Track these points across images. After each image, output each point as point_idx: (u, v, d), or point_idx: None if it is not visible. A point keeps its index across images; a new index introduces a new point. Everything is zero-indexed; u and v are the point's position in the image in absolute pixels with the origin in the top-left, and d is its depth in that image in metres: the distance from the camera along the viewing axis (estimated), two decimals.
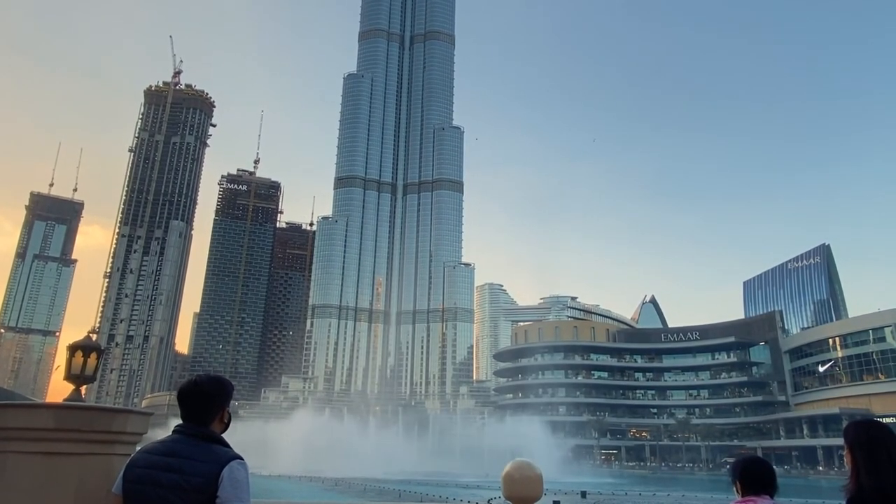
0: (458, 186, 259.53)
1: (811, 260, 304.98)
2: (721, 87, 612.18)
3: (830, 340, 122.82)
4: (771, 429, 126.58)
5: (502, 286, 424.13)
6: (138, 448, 3.75)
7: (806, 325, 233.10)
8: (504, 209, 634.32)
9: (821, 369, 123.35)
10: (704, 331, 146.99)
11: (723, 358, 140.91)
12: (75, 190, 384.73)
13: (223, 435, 3.70)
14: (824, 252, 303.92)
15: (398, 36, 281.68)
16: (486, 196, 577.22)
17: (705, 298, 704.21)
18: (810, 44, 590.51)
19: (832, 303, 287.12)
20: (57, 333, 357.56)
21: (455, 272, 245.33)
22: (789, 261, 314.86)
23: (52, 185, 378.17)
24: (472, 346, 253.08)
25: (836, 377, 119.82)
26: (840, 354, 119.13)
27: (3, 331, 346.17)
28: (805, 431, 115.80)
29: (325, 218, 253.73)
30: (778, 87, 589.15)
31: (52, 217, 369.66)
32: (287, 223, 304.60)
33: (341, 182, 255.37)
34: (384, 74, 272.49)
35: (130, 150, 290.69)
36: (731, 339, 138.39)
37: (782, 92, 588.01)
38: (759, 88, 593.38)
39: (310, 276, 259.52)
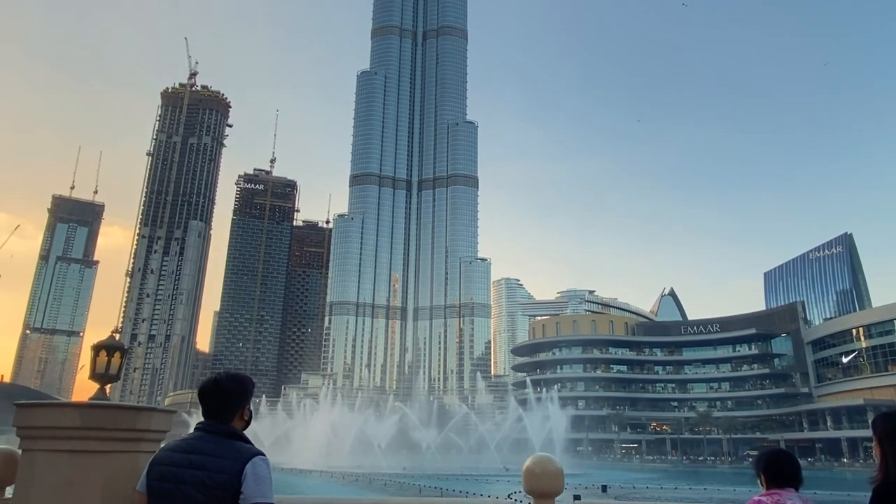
0: (472, 182, 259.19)
1: (833, 250, 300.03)
2: (740, 78, 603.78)
3: (854, 331, 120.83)
4: (794, 421, 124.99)
5: (519, 281, 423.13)
6: (162, 445, 3.81)
7: (828, 316, 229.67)
8: (520, 203, 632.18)
9: (844, 360, 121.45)
10: (725, 323, 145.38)
11: (744, 350, 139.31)
12: (96, 192, 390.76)
13: (244, 432, 3.73)
14: (847, 241, 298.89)
15: (410, 32, 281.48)
16: (502, 191, 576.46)
17: (725, 290, 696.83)
18: (830, 32, 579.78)
19: (855, 293, 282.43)
20: (81, 334, 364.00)
21: (471, 267, 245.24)
22: (811, 251, 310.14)
23: (72, 187, 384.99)
24: (489, 341, 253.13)
25: (860, 368, 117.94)
26: (864, 345, 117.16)
27: (28, 332, 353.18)
28: (829, 423, 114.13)
29: (341, 215, 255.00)
30: (798, 76, 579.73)
31: (74, 219, 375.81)
32: (304, 221, 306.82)
33: (356, 179, 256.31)
34: (397, 71, 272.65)
35: (149, 154, 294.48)
36: (753, 330, 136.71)
37: (802, 81, 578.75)
38: (778, 78, 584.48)
39: (327, 273, 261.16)
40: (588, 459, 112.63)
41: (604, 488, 43.82)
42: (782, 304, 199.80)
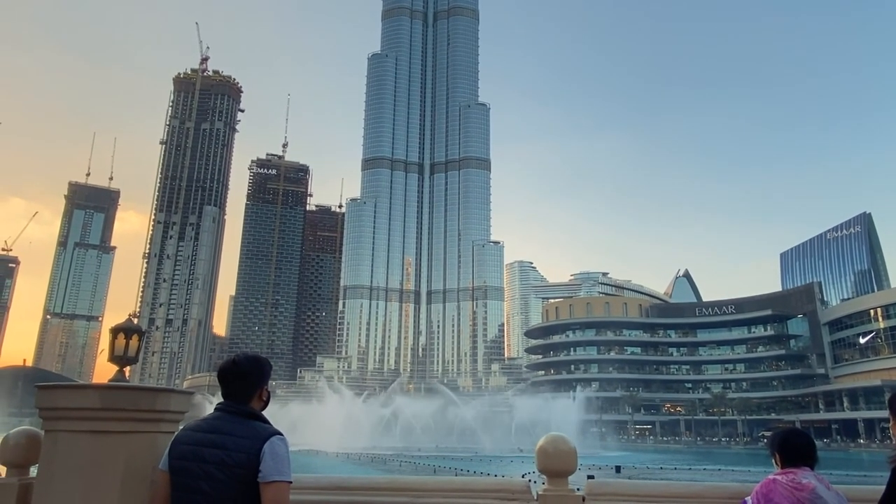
0: (485, 164, 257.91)
1: (851, 229, 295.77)
2: (757, 51, 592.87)
3: (872, 311, 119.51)
4: (810, 402, 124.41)
5: (532, 263, 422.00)
6: (182, 426, 3.89)
7: (846, 297, 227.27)
8: (533, 185, 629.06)
9: (862, 341, 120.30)
10: (740, 304, 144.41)
11: (759, 331, 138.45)
12: (111, 178, 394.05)
13: (263, 412, 3.79)
14: (865, 221, 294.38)
15: (421, 13, 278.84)
16: (515, 172, 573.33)
17: (741, 271, 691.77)
18: (850, 6, 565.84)
19: (873, 273, 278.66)
20: (100, 318, 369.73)
21: (484, 250, 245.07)
22: (828, 231, 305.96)
23: (88, 174, 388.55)
24: (502, 324, 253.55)
25: (877, 349, 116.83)
26: (882, 325, 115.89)
27: (49, 317, 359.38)
28: (845, 404, 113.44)
29: (353, 200, 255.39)
30: (816, 51, 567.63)
31: (91, 206, 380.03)
32: (317, 206, 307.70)
33: (368, 163, 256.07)
34: (408, 53, 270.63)
35: (162, 143, 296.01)
36: (768, 311, 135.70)
37: (821, 57, 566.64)
38: (796, 55, 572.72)
39: (340, 257, 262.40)
40: (602, 441, 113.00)
41: (617, 469, 44.06)
42: (799, 284, 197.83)
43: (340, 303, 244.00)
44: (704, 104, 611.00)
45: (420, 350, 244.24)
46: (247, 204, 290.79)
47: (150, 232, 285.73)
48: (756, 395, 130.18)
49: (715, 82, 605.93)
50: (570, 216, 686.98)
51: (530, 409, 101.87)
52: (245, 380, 3.70)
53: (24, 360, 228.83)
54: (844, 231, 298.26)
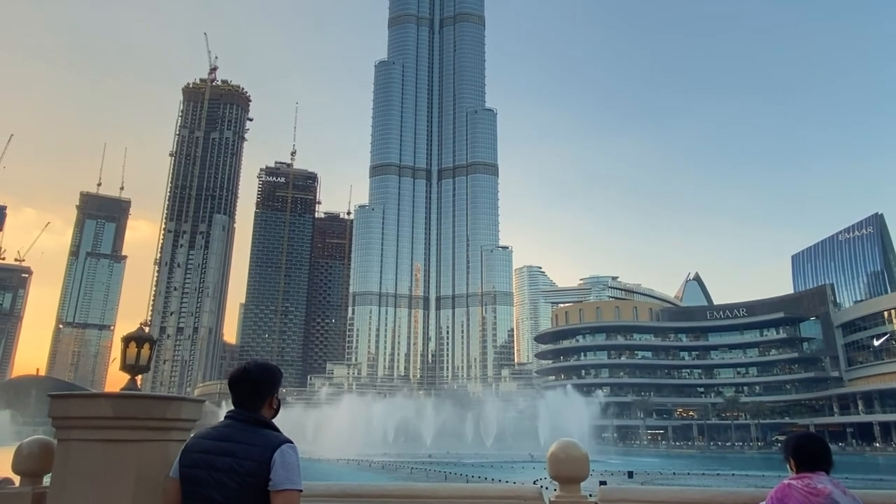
0: (492, 169, 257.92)
1: (863, 230, 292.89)
2: (766, 53, 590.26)
3: (886, 313, 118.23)
4: (824, 405, 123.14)
5: (541, 268, 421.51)
6: (192, 434, 3.90)
7: (859, 299, 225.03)
8: (541, 189, 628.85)
9: (876, 343, 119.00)
10: (751, 307, 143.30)
11: (771, 334, 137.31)
12: (122, 188, 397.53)
13: (273, 420, 3.79)
14: (877, 222, 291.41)
15: (427, 20, 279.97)
16: (523, 177, 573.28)
17: (752, 274, 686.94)
18: (863, 7, 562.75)
19: (887, 274, 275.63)
20: (112, 327, 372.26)
21: (493, 256, 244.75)
22: (840, 232, 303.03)
23: (99, 184, 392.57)
24: (512, 329, 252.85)
25: (892, 351, 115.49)
26: None
27: (61, 326, 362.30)
28: (860, 407, 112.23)
29: (361, 206, 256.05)
30: (826, 52, 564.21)
31: (102, 216, 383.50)
32: (325, 213, 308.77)
33: (376, 170, 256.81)
34: (415, 60, 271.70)
35: (171, 154, 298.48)
36: (780, 314, 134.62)
37: (830, 57, 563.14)
38: (807, 54, 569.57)
39: (349, 264, 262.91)
40: (613, 446, 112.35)
41: (630, 474, 43.78)
42: (811, 287, 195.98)
43: (350, 309, 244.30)
44: (713, 107, 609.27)
45: (430, 356, 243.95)
46: (256, 212, 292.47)
47: (161, 241, 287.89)
48: (769, 398, 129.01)
49: (724, 85, 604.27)
50: (579, 220, 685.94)
51: (541, 415, 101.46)
52: (255, 388, 3.70)
53: (38, 370, 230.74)
54: (856, 232, 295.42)
